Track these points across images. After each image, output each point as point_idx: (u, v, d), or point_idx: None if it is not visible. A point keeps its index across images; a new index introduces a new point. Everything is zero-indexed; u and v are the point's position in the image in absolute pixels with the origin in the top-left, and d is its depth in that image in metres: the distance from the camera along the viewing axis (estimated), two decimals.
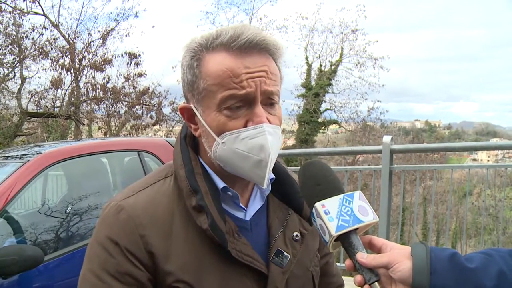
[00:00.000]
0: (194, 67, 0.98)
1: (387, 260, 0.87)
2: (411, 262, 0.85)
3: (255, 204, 1.09)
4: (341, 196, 0.93)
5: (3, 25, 12.62)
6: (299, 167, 1.02)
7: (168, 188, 1.04)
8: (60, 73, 13.62)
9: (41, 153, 3.06)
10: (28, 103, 13.45)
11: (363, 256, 0.89)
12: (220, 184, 1.03)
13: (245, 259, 0.99)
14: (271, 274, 1.02)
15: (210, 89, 0.96)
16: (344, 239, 0.91)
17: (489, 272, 0.84)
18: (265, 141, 0.94)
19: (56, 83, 13.49)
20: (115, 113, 14.57)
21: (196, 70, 0.98)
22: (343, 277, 1.33)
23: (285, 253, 1.05)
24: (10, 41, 12.81)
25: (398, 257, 0.87)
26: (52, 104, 13.88)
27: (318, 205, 0.91)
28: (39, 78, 14.04)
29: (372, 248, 0.95)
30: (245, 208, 1.07)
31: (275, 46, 0.98)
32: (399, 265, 0.86)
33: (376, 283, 0.87)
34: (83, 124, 14.53)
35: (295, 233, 1.08)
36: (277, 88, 0.99)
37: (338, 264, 4.58)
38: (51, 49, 13.57)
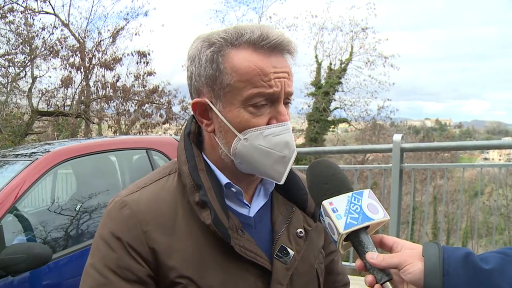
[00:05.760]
0: (218, 61, 0.97)
1: (398, 261, 0.84)
2: (422, 263, 0.82)
3: (259, 201, 1.09)
4: (350, 194, 0.90)
5: (15, 25, 12.76)
6: (308, 166, 1.01)
7: (171, 185, 1.04)
8: (70, 72, 13.74)
9: (50, 151, 3.07)
10: (38, 102, 13.59)
11: (373, 256, 0.86)
12: (224, 180, 1.03)
13: (248, 255, 0.98)
14: (275, 270, 1.01)
15: (236, 85, 0.95)
16: (354, 238, 0.89)
17: (506, 273, 0.79)
18: (290, 138, 0.99)
19: (66, 82, 13.61)
20: (124, 112, 14.65)
21: (220, 65, 0.96)
22: (352, 277, 1.31)
23: (289, 250, 1.04)
24: (21, 41, 12.93)
25: (409, 258, 0.84)
26: (63, 102, 14.01)
27: (325, 203, 0.89)
28: (50, 77, 14.19)
29: (383, 247, 0.92)
30: (249, 205, 1.07)
31: (295, 49, 1.01)
32: (410, 267, 0.82)
33: (387, 282, 0.85)
34: (93, 123, 14.64)
35: (299, 230, 1.08)
36: (292, 89, 1.02)
37: (347, 263, 4.55)
38: (62, 48, 13.70)
